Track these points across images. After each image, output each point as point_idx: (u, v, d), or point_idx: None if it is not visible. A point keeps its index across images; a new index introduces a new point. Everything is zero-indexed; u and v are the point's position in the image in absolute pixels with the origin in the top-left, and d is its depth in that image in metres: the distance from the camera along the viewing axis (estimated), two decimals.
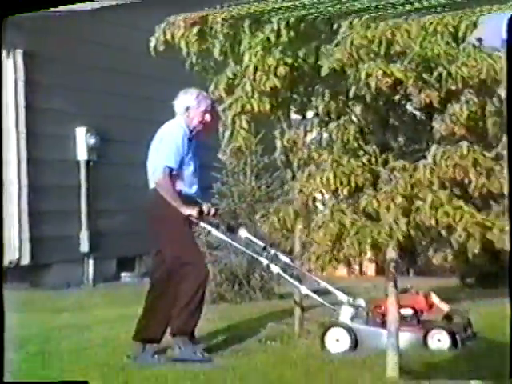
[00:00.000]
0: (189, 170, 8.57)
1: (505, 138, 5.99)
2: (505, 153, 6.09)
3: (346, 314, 9.26)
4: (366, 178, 6.21)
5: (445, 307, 9.32)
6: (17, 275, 13.74)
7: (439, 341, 9.01)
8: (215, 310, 11.15)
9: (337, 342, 9.13)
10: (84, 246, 14.96)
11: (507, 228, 5.89)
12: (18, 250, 14.01)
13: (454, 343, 8.95)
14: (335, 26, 6.19)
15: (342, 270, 7.80)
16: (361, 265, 6.28)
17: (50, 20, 13.66)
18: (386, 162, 6.25)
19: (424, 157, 6.15)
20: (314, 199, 6.38)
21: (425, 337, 9.04)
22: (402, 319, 9.26)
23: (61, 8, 13.70)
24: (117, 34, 14.94)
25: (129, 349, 9.41)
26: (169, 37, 6.45)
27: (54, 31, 14.29)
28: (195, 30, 6.39)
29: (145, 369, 8.63)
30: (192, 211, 8.34)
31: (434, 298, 9.41)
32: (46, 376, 8.76)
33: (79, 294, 13.44)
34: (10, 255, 13.92)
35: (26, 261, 14.10)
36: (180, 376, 8.36)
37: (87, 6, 14.12)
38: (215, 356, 9.11)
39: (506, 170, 5.47)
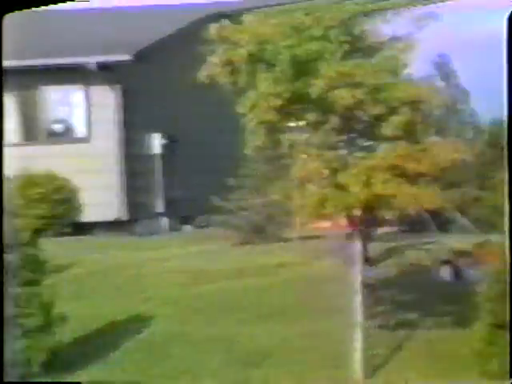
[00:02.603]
0: None
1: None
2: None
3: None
4: (340, 164, 6.19)
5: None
6: (119, 227, 13.87)
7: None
8: (243, 249, 11.22)
9: (447, 272, 8.94)
10: (159, 208, 15.05)
11: (430, 194, 5.90)
12: (118, 211, 14.11)
13: (456, 276, 8.73)
14: (318, 65, 6.14)
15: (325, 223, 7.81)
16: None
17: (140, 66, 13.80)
18: (351, 154, 6.23)
19: (376, 150, 6.14)
20: (309, 178, 6.33)
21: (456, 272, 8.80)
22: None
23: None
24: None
25: (189, 275, 9.43)
26: (209, 73, 6.41)
27: (143, 74, 14.33)
28: (227, 68, 6.34)
29: None
30: None
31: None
32: (138, 289, 8.85)
33: (157, 240, 13.53)
34: (114, 214, 14.04)
35: (124, 217, 14.21)
36: None
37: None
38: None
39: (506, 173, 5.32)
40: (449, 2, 5.86)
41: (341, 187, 6.09)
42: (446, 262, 8.95)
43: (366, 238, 9.06)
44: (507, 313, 5.00)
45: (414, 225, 9.94)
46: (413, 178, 6.01)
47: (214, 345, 7.00)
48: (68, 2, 5.01)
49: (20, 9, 5.04)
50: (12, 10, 5.00)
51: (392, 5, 6.25)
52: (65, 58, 14.19)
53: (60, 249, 10.48)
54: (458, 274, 8.72)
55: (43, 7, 5.05)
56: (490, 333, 5.13)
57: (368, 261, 8.97)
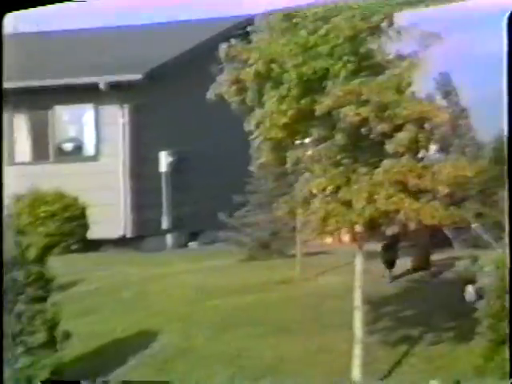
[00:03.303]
0: None
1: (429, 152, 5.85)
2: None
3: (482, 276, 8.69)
4: (343, 180, 6.15)
5: None
6: (124, 244, 13.84)
7: None
8: (248, 265, 11.17)
9: (469, 293, 8.53)
10: (165, 225, 15.01)
11: (431, 210, 5.85)
12: (124, 228, 14.09)
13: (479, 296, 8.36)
14: (324, 83, 6.12)
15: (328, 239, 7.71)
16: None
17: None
18: (355, 170, 6.18)
19: (379, 166, 6.09)
20: (312, 194, 6.29)
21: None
22: None
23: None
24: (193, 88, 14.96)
25: (195, 290, 9.38)
26: (218, 92, 6.41)
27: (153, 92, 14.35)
28: (234, 87, 6.34)
29: None
30: None
31: None
32: (143, 305, 8.81)
33: (163, 256, 13.49)
34: (120, 231, 14.01)
35: (129, 234, 14.18)
36: None
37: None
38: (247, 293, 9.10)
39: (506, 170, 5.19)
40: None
41: (344, 203, 6.04)
42: (469, 282, 8.60)
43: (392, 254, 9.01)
44: (507, 315, 4.93)
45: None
46: (415, 194, 5.97)
47: (219, 360, 6.94)
48: (66, 3, 4.90)
49: (19, 9, 4.90)
50: (11, 10, 4.88)
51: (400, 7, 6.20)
52: (76, 78, 14.24)
53: (67, 266, 10.46)
54: (480, 293, 8.42)
55: (42, 7, 4.88)
56: (489, 349, 5.06)
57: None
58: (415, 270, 9.68)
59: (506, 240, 5.20)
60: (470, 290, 8.28)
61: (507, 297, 5.13)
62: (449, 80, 16.75)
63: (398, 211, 5.90)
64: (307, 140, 6.57)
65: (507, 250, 5.10)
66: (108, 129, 14.34)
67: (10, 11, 4.87)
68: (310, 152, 6.40)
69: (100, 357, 7.25)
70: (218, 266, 11.19)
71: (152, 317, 8.36)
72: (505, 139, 5.23)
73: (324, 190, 6.16)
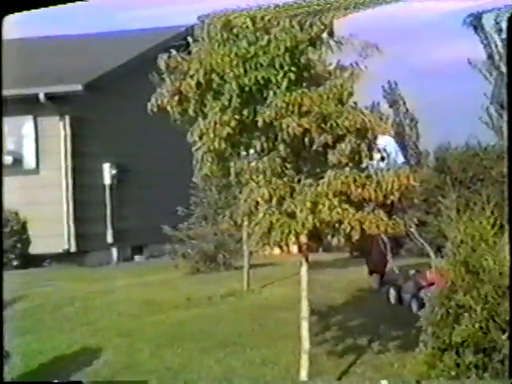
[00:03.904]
0: None
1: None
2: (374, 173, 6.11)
3: (400, 279, 9.05)
4: (287, 191, 6.18)
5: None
6: (68, 259, 13.67)
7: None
8: (194, 278, 11.14)
9: (392, 295, 8.93)
10: (109, 239, 14.88)
11: (375, 219, 5.92)
12: (67, 242, 13.91)
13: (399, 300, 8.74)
14: (265, 94, 6.16)
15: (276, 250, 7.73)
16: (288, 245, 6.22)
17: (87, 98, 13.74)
18: (299, 181, 6.22)
19: (323, 177, 6.14)
20: (256, 205, 6.31)
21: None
22: None
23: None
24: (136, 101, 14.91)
25: (139, 306, 9.32)
26: (159, 103, 6.39)
27: (94, 104, 14.25)
28: (176, 98, 6.33)
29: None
30: None
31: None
32: (87, 321, 8.73)
33: (107, 270, 13.38)
34: (64, 245, 13.84)
35: (73, 249, 14.01)
36: None
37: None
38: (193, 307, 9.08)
39: (506, 169, 5.20)
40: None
41: (288, 214, 6.08)
42: (392, 285, 8.98)
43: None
44: (508, 314, 4.99)
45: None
46: (358, 204, 6.04)
47: (164, 375, 6.91)
48: (68, 4, 4.88)
49: (20, 10, 4.85)
50: (13, 12, 4.83)
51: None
52: (14, 89, 14.03)
53: (8, 283, 10.26)
54: (400, 297, 8.75)
55: (43, 8, 4.88)
56: (432, 356, 5.16)
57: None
58: (370, 273, 9.85)
59: (507, 240, 5.22)
60: (391, 291, 8.94)
61: (452, 304, 5.24)
62: (395, 89, 17.03)
63: (341, 221, 5.95)
64: (251, 151, 6.59)
65: (507, 251, 5.14)
66: (49, 141, 14.18)
67: (11, 13, 4.82)
68: (253, 163, 6.42)
69: (42, 375, 7.15)
70: (164, 279, 11.14)
71: (95, 333, 8.28)
72: (505, 138, 5.26)
73: (268, 200, 6.18)
